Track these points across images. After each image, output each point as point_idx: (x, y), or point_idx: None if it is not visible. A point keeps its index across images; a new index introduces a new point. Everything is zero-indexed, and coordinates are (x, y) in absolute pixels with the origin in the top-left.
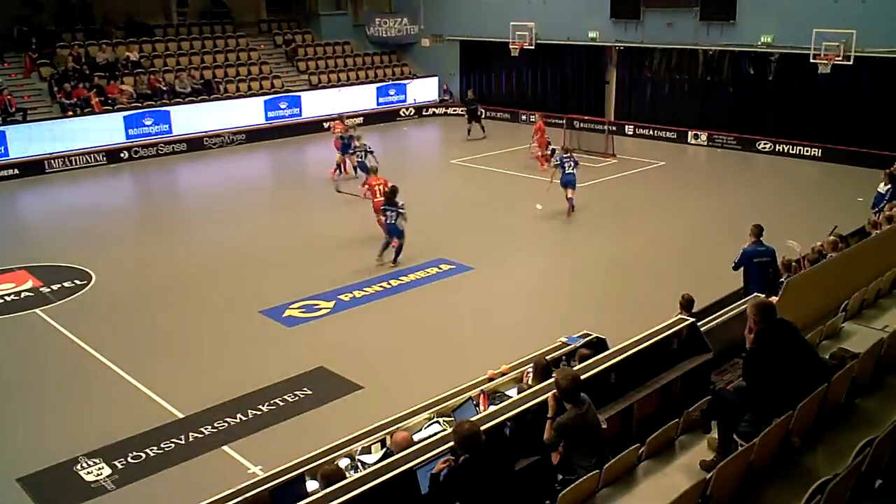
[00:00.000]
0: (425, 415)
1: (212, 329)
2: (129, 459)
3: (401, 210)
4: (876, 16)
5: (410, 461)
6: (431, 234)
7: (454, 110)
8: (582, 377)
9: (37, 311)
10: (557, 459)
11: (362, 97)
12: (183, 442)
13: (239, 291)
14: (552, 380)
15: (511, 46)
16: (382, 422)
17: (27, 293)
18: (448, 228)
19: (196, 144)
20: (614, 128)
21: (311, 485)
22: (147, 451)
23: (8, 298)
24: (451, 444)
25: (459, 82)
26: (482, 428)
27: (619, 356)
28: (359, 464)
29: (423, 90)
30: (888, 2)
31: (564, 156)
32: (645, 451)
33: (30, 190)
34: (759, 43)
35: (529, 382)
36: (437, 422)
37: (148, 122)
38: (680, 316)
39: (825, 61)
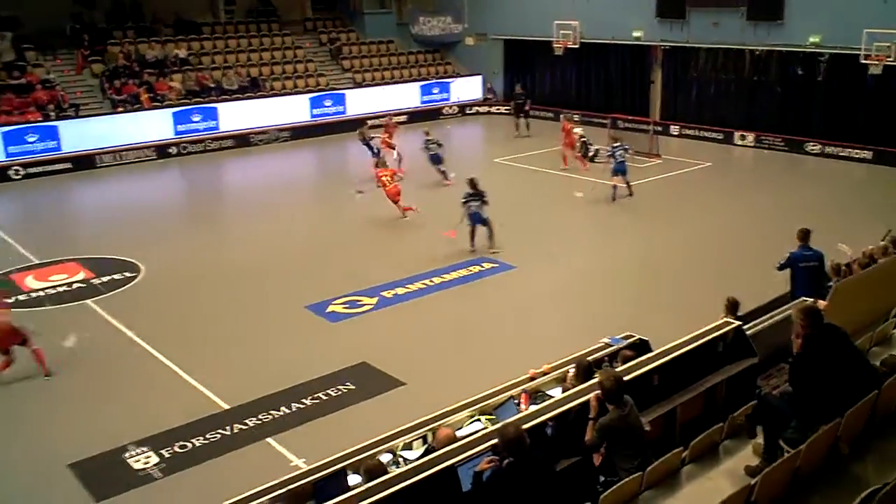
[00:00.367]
0: (467, 412)
1: (257, 323)
2: (176, 449)
3: (484, 200)
4: None
5: (452, 458)
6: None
7: (498, 109)
8: (625, 378)
9: (88, 301)
10: (599, 461)
11: (406, 95)
12: (228, 433)
13: (284, 286)
14: (594, 380)
15: (555, 45)
16: (424, 418)
17: (79, 284)
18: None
19: (242, 141)
20: (659, 128)
21: (354, 479)
22: (193, 440)
23: (60, 289)
24: (495, 443)
25: (503, 81)
26: (523, 427)
27: (663, 358)
28: (400, 459)
29: (466, 89)
30: None
31: (615, 145)
32: (688, 454)
33: (81, 183)
34: (808, 43)
35: (573, 382)
36: (479, 419)
37: (196, 119)
38: (725, 319)
39: (876, 62)
